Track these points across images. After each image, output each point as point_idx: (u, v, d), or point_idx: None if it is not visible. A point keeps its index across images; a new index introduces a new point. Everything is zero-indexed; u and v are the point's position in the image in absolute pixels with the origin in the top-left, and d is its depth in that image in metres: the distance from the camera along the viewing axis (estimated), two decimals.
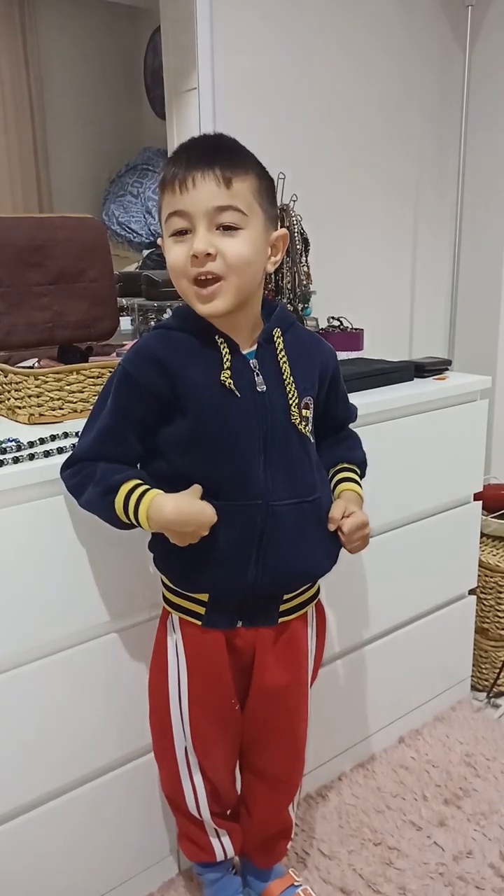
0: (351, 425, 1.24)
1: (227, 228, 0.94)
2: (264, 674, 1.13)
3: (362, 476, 1.21)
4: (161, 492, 0.98)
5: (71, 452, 1.04)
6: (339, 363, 1.16)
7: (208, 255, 0.93)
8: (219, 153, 0.94)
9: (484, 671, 1.97)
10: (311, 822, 1.53)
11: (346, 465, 1.18)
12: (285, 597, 1.11)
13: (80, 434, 1.05)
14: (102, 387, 1.04)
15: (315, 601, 1.19)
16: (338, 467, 1.18)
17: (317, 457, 1.11)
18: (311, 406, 1.08)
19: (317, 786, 1.62)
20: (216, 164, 0.93)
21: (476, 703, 1.93)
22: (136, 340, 1.06)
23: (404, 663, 1.72)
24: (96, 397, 1.05)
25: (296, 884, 1.32)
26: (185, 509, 0.96)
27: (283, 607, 1.11)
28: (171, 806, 1.26)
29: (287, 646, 1.14)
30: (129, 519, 0.98)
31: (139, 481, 0.98)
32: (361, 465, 1.21)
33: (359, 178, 2.17)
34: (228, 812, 1.26)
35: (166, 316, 1.07)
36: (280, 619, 1.11)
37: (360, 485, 1.18)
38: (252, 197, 0.96)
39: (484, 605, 1.93)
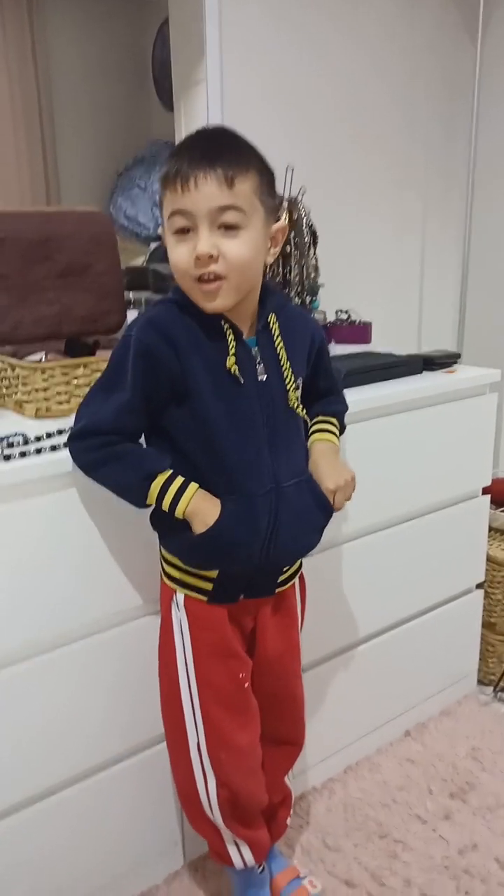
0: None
1: (229, 228, 0.96)
2: (265, 642, 1.17)
3: (342, 427, 1.23)
4: (198, 485, 1.02)
5: (82, 424, 1.03)
6: (324, 335, 1.19)
7: (210, 256, 0.95)
8: (221, 152, 0.95)
9: (491, 665, 1.97)
10: (316, 815, 1.53)
11: (320, 418, 1.20)
12: (283, 568, 1.16)
13: (85, 403, 1.04)
14: (111, 355, 1.03)
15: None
16: (313, 419, 1.20)
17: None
18: (300, 386, 1.11)
19: (322, 779, 1.62)
20: (218, 164, 0.93)
21: (483, 698, 1.93)
22: (142, 311, 1.06)
23: (411, 657, 1.72)
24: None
25: (301, 876, 1.33)
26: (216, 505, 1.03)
27: (280, 578, 1.16)
28: (189, 814, 1.22)
29: (284, 614, 1.19)
30: (156, 504, 1.02)
31: (171, 470, 1.02)
32: (338, 415, 1.23)
33: (368, 171, 2.16)
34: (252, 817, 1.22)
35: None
36: (277, 590, 1.16)
37: (334, 434, 1.20)
38: (253, 194, 0.97)
39: (491, 599, 1.93)
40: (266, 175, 1.00)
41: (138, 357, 0.99)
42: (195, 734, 1.15)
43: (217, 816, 1.17)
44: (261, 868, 1.28)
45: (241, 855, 1.21)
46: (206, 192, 0.93)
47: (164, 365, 0.99)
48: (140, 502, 1.03)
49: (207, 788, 1.16)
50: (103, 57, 2.18)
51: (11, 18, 2.05)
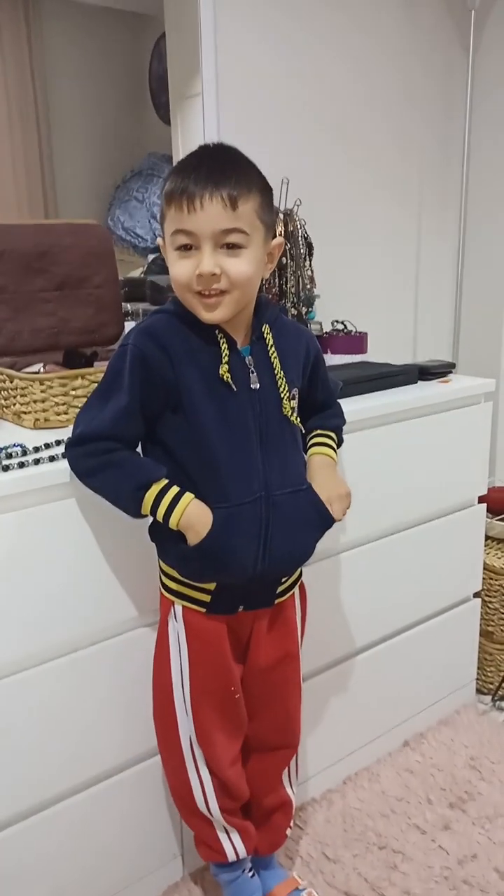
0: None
1: (231, 247, 0.98)
2: (259, 653, 1.18)
3: (340, 441, 1.25)
4: (193, 496, 1.02)
5: (80, 430, 1.04)
6: (319, 347, 1.21)
7: (213, 275, 0.97)
8: (226, 172, 0.96)
9: (489, 674, 1.97)
10: (315, 826, 1.53)
11: (319, 432, 1.22)
12: (282, 579, 1.16)
13: (83, 411, 1.05)
14: (109, 364, 1.05)
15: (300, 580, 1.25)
16: (311, 434, 1.22)
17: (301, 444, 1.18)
18: (297, 396, 1.13)
19: (322, 790, 1.62)
20: (223, 187, 0.95)
21: (481, 707, 1.93)
22: (139, 322, 1.08)
23: (409, 667, 1.72)
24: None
25: (300, 887, 1.32)
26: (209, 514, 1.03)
27: (278, 589, 1.16)
28: (181, 809, 1.25)
29: (281, 624, 1.20)
30: (150, 514, 1.03)
31: (167, 480, 1.03)
32: (336, 429, 1.25)
33: (362, 183, 2.17)
34: (240, 809, 1.25)
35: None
36: (275, 601, 1.16)
37: (332, 448, 1.22)
38: (255, 215, 0.99)
39: (489, 608, 1.93)
40: (266, 194, 1.02)
41: (135, 362, 1.01)
42: (187, 726, 1.16)
43: (213, 802, 1.19)
44: (251, 873, 1.29)
45: (231, 843, 1.23)
46: (211, 213, 0.95)
47: (158, 372, 1.01)
48: (134, 512, 1.04)
49: (200, 776, 1.18)
50: (100, 71, 2.20)
51: (8, 33, 2.07)
